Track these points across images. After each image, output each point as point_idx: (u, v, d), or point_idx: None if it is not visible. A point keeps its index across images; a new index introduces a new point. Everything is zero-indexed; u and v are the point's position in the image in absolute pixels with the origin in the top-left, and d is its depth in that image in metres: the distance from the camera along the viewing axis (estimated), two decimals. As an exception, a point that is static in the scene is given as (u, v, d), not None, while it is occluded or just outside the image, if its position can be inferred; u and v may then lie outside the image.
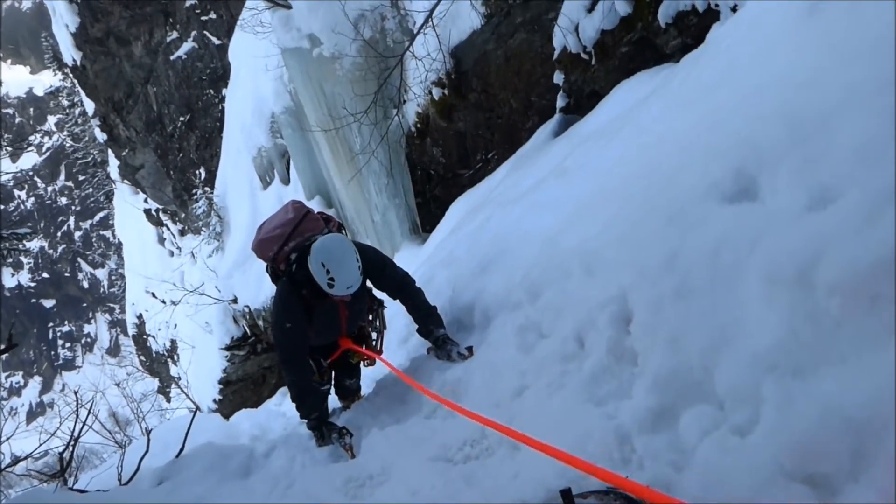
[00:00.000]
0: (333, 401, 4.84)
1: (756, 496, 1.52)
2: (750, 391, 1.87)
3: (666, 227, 2.62)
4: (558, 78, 7.17)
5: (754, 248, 2.11)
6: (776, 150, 2.39)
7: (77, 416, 5.66)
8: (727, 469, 1.70)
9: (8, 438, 5.89)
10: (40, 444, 5.74)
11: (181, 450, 4.65)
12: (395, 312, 5.52)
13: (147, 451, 5.01)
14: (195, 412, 5.82)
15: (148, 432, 5.74)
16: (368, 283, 4.23)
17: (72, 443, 5.20)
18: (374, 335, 4.58)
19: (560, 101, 7.28)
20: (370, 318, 4.53)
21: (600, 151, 4.69)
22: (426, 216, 10.23)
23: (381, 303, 4.55)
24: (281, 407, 9.06)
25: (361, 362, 4.69)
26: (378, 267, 4.12)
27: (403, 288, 4.21)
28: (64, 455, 5.23)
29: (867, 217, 1.77)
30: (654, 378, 2.20)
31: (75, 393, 6.58)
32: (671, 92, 4.40)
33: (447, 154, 9.57)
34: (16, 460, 5.92)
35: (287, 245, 3.95)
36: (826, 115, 2.30)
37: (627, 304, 2.57)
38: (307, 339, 4.00)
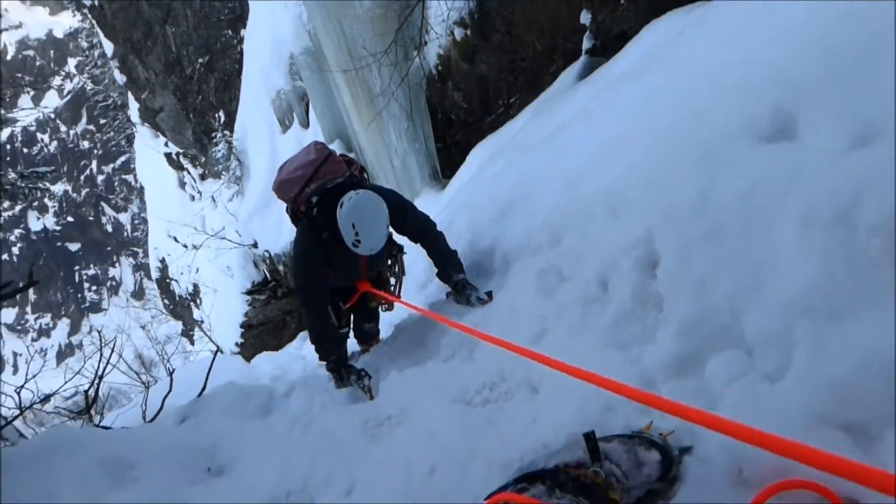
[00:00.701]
0: (352, 345, 4.86)
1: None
2: (781, 336, 1.81)
3: (696, 168, 2.51)
4: (585, 18, 6.91)
5: (791, 189, 2.01)
6: (817, 86, 2.27)
7: (101, 355, 5.75)
8: (757, 415, 1.65)
9: (35, 376, 6.01)
10: (66, 382, 5.85)
11: (203, 389, 4.72)
12: (413, 258, 5.49)
13: (170, 391, 5.10)
14: (216, 352, 5.89)
15: (171, 373, 5.82)
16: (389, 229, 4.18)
17: (96, 381, 5.29)
18: (392, 280, 4.55)
19: (586, 43, 7.03)
20: (389, 263, 4.49)
21: (627, 92, 4.52)
22: (446, 162, 10.08)
23: (400, 248, 4.50)
24: (301, 350, 9.17)
25: (380, 306, 4.68)
26: (400, 212, 4.04)
27: (425, 232, 4.15)
28: (89, 393, 5.33)
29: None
30: (680, 323, 2.14)
31: (99, 332, 6.69)
32: (704, 30, 4.20)
33: (468, 98, 9.36)
34: (45, 397, 6.05)
35: (308, 187, 3.88)
36: (869, 48, 2.17)
37: (654, 246, 2.48)
38: (326, 283, 3.97)
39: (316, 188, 3.85)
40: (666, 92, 3.78)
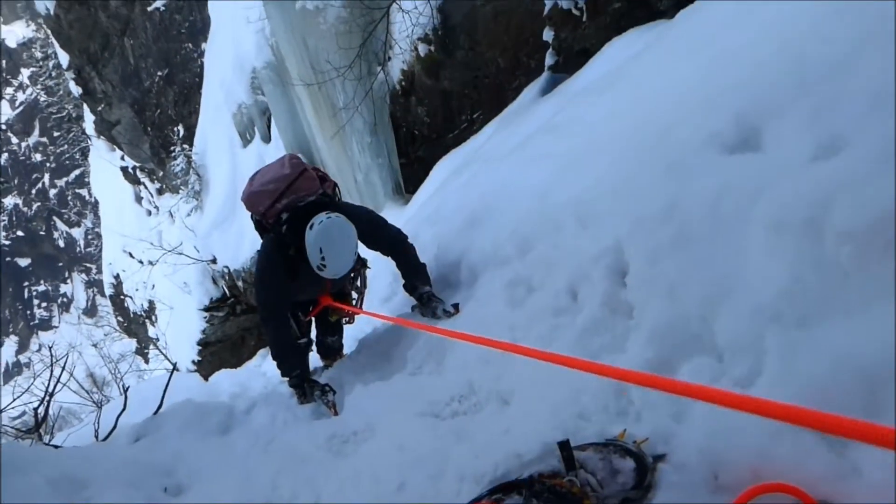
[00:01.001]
0: (315, 360, 4.77)
1: (765, 448, 1.47)
2: (751, 342, 1.82)
3: (663, 178, 2.53)
4: (548, 35, 7.00)
5: (759, 196, 2.04)
6: (782, 98, 2.31)
7: (52, 372, 5.54)
8: (731, 421, 1.64)
9: (-19, 395, 5.75)
10: (14, 399, 5.61)
11: (159, 407, 4.56)
12: (377, 272, 5.43)
13: (124, 409, 4.91)
14: (173, 370, 5.72)
15: (125, 390, 5.63)
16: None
17: (46, 397, 5.08)
18: (354, 294, 4.49)
19: (549, 60, 7.12)
20: (352, 276, 4.42)
21: (591, 107, 4.57)
22: (410, 177, 10.06)
23: (364, 262, 4.45)
24: (261, 367, 8.98)
25: (343, 319, 4.60)
26: (373, 229, 4.01)
27: (396, 245, 4.11)
28: (39, 410, 5.12)
29: (882, 164, 1.70)
30: (651, 330, 2.15)
31: (49, 349, 6.44)
32: (666, 46, 4.27)
33: (432, 114, 9.38)
34: (-11, 416, 5.79)
35: (280, 202, 3.78)
36: (836, 63, 2.22)
37: (623, 255, 2.49)
38: (289, 297, 3.91)
39: (287, 204, 3.76)
40: (630, 105, 3.82)
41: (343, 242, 3.55)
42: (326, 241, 3.50)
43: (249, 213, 4.13)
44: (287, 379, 3.96)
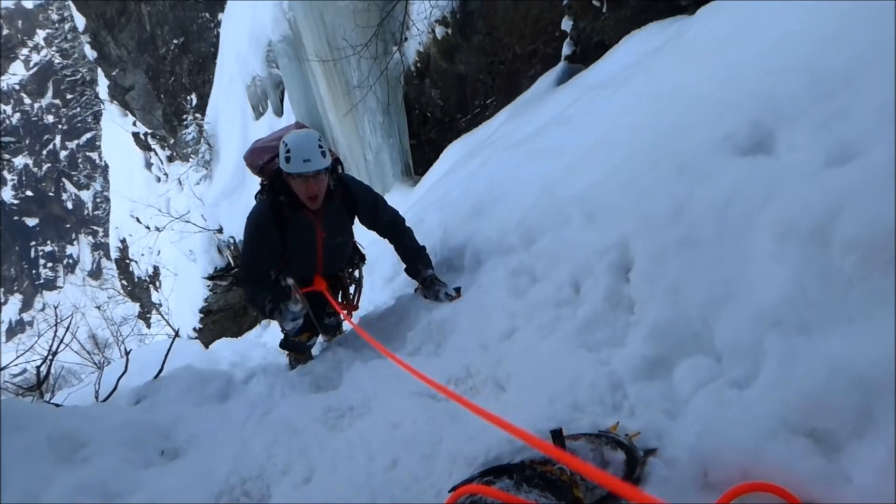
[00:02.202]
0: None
1: (756, 448, 1.49)
2: (751, 346, 1.83)
3: (674, 177, 2.54)
4: (566, 24, 6.96)
5: (767, 202, 2.05)
6: (796, 104, 2.32)
7: (55, 332, 5.60)
8: (724, 420, 1.67)
9: (-16, 350, 5.81)
10: (17, 357, 5.67)
11: (160, 371, 4.61)
12: (381, 252, 5.45)
13: (125, 371, 4.97)
14: (175, 336, 5.78)
15: (127, 353, 5.68)
16: (356, 224, 4.13)
17: (49, 357, 5.14)
18: (351, 288, 4.48)
19: (566, 49, 7.08)
20: (350, 270, 4.43)
21: (606, 100, 4.56)
22: (419, 159, 10.06)
23: (362, 257, 4.46)
24: (261, 338, 9.06)
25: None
26: (370, 203, 4.00)
27: (394, 226, 4.11)
28: (41, 369, 5.18)
29: (891, 175, 1.70)
30: (651, 327, 2.16)
31: (54, 308, 6.51)
32: (685, 44, 4.26)
33: (445, 97, 9.36)
34: (-7, 371, 5.86)
35: (278, 156, 3.74)
36: (851, 72, 2.22)
37: (628, 252, 2.50)
38: (274, 260, 3.85)
39: None
40: (645, 102, 3.82)
41: (305, 134, 3.55)
42: (289, 136, 3.54)
43: (253, 190, 4.12)
44: (266, 310, 3.81)
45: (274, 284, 3.91)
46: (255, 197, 4.05)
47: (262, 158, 3.87)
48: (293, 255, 3.89)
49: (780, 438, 1.50)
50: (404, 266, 4.21)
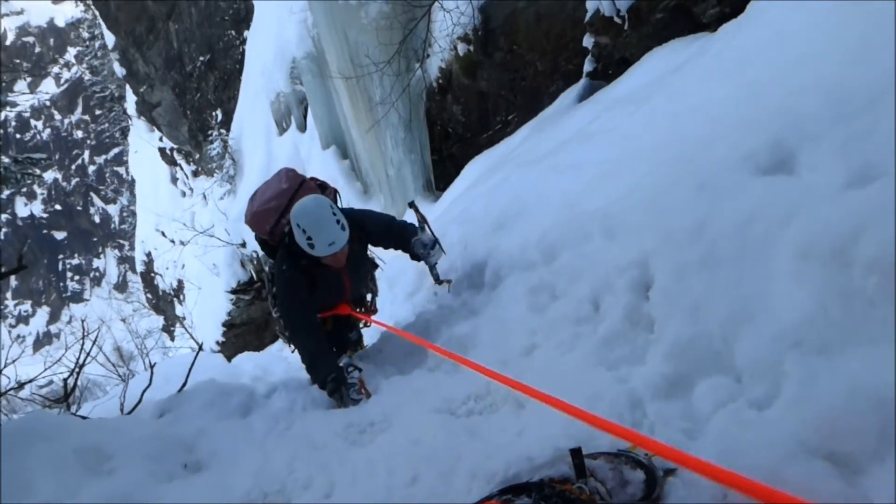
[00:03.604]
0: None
1: (775, 470, 1.48)
2: (771, 366, 1.82)
3: (695, 196, 2.54)
4: (588, 41, 6.99)
5: (788, 222, 2.04)
6: (818, 124, 2.31)
7: (83, 345, 5.70)
8: (743, 441, 1.65)
9: (13, 362, 5.93)
10: (45, 369, 5.78)
11: (183, 385, 4.67)
12: (401, 268, 5.49)
13: (150, 384, 5.05)
14: (199, 349, 5.84)
15: (152, 366, 5.77)
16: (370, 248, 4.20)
17: (76, 370, 5.23)
18: (368, 297, 4.51)
19: (588, 66, 7.11)
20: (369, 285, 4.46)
21: (627, 117, 4.57)
22: (441, 174, 10.12)
23: (375, 265, 4.49)
24: (283, 352, 9.10)
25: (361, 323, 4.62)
26: (380, 228, 4.03)
27: (403, 233, 4.12)
28: (68, 381, 5.27)
29: (914, 195, 1.70)
30: (671, 346, 2.16)
31: (82, 322, 6.62)
32: (706, 62, 4.25)
33: (467, 113, 9.42)
34: (20, 384, 5.97)
35: (284, 218, 3.78)
36: (874, 93, 2.21)
37: (648, 270, 2.50)
38: (313, 310, 3.85)
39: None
40: (666, 120, 3.82)
41: (320, 213, 3.50)
42: (302, 216, 3.49)
43: (254, 235, 4.13)
44: (323, 384, 3.70)
45: (331, 353, 3.85)
46: (261, 247, 4.14)
47: (268, 222, 3.86)
48: (323, 297, 3.90)
49: (799, 460, 1.49)
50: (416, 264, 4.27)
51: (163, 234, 24.03)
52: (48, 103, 61.42)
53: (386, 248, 4.24)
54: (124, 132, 33.77)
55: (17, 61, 62.20)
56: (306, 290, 3.74)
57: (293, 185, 3.86)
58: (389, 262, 4.92)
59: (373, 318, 4.26)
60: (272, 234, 3.89)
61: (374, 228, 4.04)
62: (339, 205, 4.15)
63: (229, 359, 8.17)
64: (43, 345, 51.28)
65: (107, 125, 38.22)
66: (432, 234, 4.05)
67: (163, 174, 26.37)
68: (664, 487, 1.76)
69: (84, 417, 4.33)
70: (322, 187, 4.09)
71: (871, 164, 1.95)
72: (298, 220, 3.50)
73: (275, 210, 3.82)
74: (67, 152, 60.97)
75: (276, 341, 12.84)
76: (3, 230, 56.11)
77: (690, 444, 1.83)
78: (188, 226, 17.87)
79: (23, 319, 58.19)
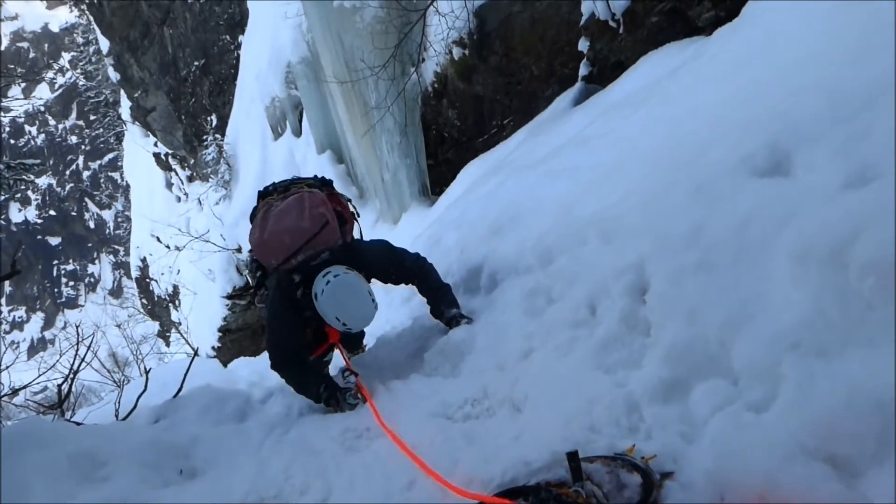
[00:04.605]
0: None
1: (773, 473, 1.48)
2: (768, 368, 1.82)
3: (692, 199, 2.54)
4: (583, 45, 7.00)
5: (785, 225, 2.04)
6: (815, 126, 2.31)
7: (77, 350, 5.67)
8: (741, 444, 1.65)
9: (7, 368, 5.91)
10: (39, 375, 5.76)
11: (179, 390, 4.66)
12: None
13: (145, 390, 5.03)
14: (195, 354, 5.83)
15: (147, 372, 5.75)
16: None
17: (71, 375, 5.21)
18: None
19: (583, 70, 7.12)
20: None
21: (623, 121, 4.58)
22: (437, 179, 10.11)
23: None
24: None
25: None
26: (391, 267, 3.90)
27: (417, 273, 3.97)
28: (63, 387, 5.25)
29: (911, 197, 1.70)
30: (667, 349, 2.15)
31: (76, 327, 6.59)
32: (702, 65, 4.27)
33: (463, 117, 9.42)
34: (14, 390, 5.95)
35: (295, 258, 3.56)
36: (871, 94, 2.22)
37: (645, 273, 2.50)
38: (302, 341, 3.80)
39: (302, 262, 3.57)
40: (662, 123, 3.83)
41: (353, 298, 3.45)
42: (336, 306, 3.42)
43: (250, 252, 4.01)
44: (317, 400, 3.68)
45: (313, 365, 3.86)
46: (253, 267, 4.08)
47: (276, 258, 3.61)
48: (316, 332, 3.85)
49: (797, 463, 1.48)
50: (428, 308, 4.01)
51: (158, 239, 23.95)
52: (42, 108, 61.27)
53: (385, 282, 4.03)
54: (119, 137, 33.75)
55: (11, 66, 62.03)
56: (299, 322, 3.70)
57: (313, 229, 3.55)
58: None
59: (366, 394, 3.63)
60: (277, 269, 3.70)
61: (388, 270, 3.92)
62: (359, 233, 4.12)
63: (225, 364, 8.16)
64: (37, 351, 51.00)
65: (101, 130, 38.19)
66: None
67: (158, 179, 26.32)
68: (661, 491, 1.76)
69: (79, 423, 4.30)
70: (341, 218, 3.90)
71: (868, 164, 1.96)
72: (334, 311, 3.42)
73: (287, 248, 3.54)
74: (62, 157, 60.83)
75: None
76: (-2, 236, 55.92)
77: (688, 448, 1.83)
78: (183, 231, 17.81)
79: (17, 325, 57.96)
